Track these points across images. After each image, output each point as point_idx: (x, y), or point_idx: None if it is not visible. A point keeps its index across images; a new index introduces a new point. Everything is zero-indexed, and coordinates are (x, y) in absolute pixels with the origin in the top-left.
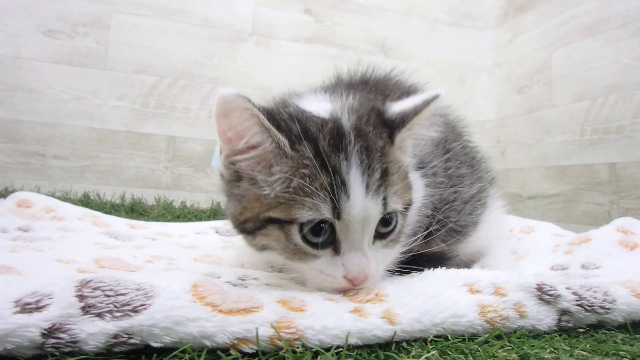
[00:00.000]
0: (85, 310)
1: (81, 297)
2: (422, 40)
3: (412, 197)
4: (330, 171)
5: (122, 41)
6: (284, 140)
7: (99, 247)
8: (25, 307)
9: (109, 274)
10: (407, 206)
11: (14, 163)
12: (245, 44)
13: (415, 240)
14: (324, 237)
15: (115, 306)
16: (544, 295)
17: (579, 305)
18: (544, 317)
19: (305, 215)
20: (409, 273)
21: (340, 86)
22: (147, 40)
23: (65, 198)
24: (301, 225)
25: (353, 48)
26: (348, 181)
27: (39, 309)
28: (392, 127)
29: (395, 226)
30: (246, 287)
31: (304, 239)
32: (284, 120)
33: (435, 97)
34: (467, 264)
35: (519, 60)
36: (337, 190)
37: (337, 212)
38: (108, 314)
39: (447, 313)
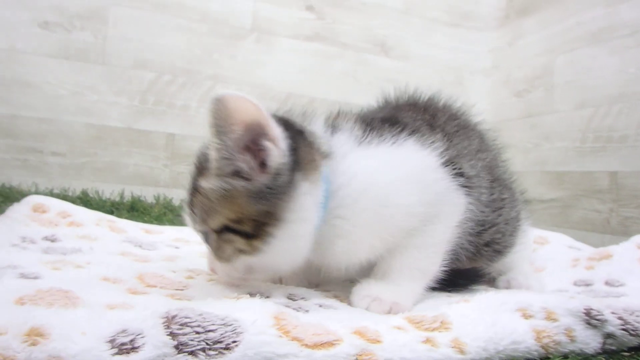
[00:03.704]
0: (179, 348)
1: (173, 335)
2: (420, 39)
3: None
4: None
5: (120, 35)
6: None
7: (129, 259)
8: (122, 348)
9: (189, 307)
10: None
11: (11, 160)
12: (245, 41)
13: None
14: None
15: (207, 344)
16: (592, 320)
17: (623, 329)
18: (590, 341)
19: None
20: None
21: (386, 108)
22: (145, 35)
23: (64, 195)
24: None
25: (353, 46)
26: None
27: (134, 349)
28: None
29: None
30: (307, 310)
31: None
32: None
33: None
34: (493, 277)
35: (519, 63)
36: None
37: None
38: (201, 352)
39: (507, 340)
